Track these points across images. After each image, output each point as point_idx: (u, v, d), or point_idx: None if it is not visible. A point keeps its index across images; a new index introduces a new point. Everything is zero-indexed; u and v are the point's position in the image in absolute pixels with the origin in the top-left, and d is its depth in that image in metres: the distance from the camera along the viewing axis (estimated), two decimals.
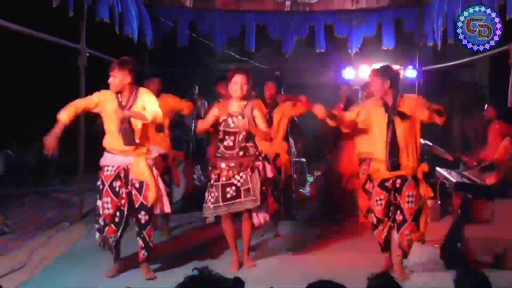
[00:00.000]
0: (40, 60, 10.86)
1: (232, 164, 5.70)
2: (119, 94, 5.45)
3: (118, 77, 5.39)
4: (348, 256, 6.33)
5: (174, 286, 2.43)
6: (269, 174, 6.02)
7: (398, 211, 5.45)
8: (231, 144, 5.72)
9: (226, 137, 5.74)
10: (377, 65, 9.59)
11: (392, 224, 5.53)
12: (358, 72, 11.29)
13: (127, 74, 5.41)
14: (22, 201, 9.33)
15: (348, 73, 11.24)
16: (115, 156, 5.46)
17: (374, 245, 5.75)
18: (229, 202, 5.69)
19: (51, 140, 5.22)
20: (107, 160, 5.50)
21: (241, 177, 5.69)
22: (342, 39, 10.25)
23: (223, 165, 5.73)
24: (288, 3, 9.76)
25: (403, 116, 5.36)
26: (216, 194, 5.70)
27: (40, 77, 11.47)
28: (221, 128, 5.74)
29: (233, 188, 5.68)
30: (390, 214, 5.50)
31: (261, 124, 5.77)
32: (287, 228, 7.57)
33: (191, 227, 7.73)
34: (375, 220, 5.57)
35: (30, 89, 11.53)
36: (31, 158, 11.90)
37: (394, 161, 5.35)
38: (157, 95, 7.02)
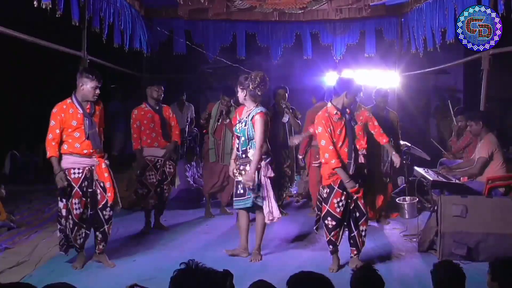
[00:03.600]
0: (44, 67, 10.79)
1: (240, 165, 5.86)
2: (83, 103, 5.47)
3: None
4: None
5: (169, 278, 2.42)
6: (270, 174, 6.08)
7: (356, 209, 5.50)
8: (237, 146, 5.91)
9: (236, 140, 5.95)
10: (363, 71, 9.76)
11: (347, 223, 5.56)
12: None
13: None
14: (28, 198, 9.28)
15: (331, 78, 11.16)
16: (81, 158, 5.44)
17: None
18: (239, 198, 5.85)
19: (61, 177, 5.32)
20: (72, 163, 5.42)
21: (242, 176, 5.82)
22: (327, 47, 10.27)
23: (234, 164, 5.95)
24: (276, 13, 9.77)
25: (356, 121, 5.58)
26: (233, 190, 6.03)
27: (45, 83, 11.39)
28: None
29: (241, 185, 5.81)
30: (347, 214, 5.52)
31: (257, 130, 5.73)
32: (276, 224, 7.55)
33: (185, 223, 7.69)
34: (333, 223, 5.46)
35: (35, 93, 11.46)
36: (37, 158, 11.86)
37: (356, 165, 5.45)
38: (158, 102, 7.07)
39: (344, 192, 5.43)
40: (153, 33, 9.96)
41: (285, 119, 7.88)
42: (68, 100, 5.46)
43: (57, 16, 6.20)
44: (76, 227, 5.44)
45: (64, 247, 5.58)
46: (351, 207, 5.51)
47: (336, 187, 5.43)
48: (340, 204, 5.44)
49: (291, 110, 7.88)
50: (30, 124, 11.97)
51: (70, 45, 7.38)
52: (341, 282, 3.64)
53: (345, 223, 5.58)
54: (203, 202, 8.39)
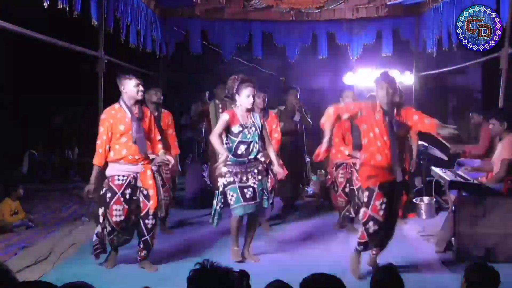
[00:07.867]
0: (62, 67, 10.87)
1: (245, 169, 5.68)
2: (132, 107, 5.42)
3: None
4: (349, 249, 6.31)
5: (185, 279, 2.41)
6: (280, 176, 6.06)
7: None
8: (244, 152, 5.66)
9: (241, 146, 5.67)
10: (380, 71, 9.68)
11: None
12: (358, 77, 11.17)
13: None
14: (46, 197, 9.36)
15: (349, 78, 11.12)
16: (126, 165, 5.38)
17: None
18: (250, 202, 5.64)
19: (89, 189, 5.33)
20: (117, 170, 5.38)
21: (255, 179, 5.69)
22: (343, 46, 10.24)
23: (236, 170, 5.66)
24: (292, 12, 9.76)
25: (400, 125, 5.14)
26: (235, 195, 5.63)
27: (62, 83, 11.48)
28: (238, 139, 5.66)
29: (250, 189, 5.65)
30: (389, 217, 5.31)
31: (266, 134, 5.95)
32: (292, 224, 7.55)
33: (199, 223, 7.73)
34: (375, 228, 5.14)
35: (53, 93, 11.55)
36: (55, 158, 11.96)
37: (402, 169, 5.18)
38: (158, 107, 6.90)
39: (384, 194, 5.12)
40: (169, 33, 10.00)
41: (297, 117, 7.94)
42: (116, 105, 5.43)
43: (74, 16, 6.25)
44: (115, 232, 5.40)
45: (97, 251, 5.54)
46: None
47: (376, 189, 5.14)
48: (383, 206, 5.11)
49: (303, 109, 7.94)
50: (47, 124, 12.09)
51: (86, 45, 7.43)
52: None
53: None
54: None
